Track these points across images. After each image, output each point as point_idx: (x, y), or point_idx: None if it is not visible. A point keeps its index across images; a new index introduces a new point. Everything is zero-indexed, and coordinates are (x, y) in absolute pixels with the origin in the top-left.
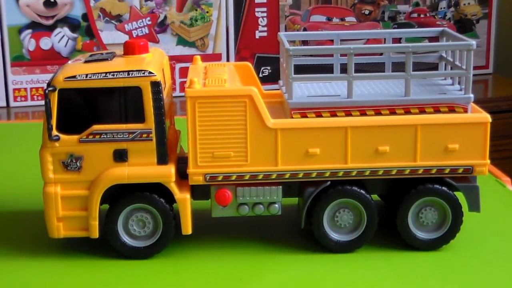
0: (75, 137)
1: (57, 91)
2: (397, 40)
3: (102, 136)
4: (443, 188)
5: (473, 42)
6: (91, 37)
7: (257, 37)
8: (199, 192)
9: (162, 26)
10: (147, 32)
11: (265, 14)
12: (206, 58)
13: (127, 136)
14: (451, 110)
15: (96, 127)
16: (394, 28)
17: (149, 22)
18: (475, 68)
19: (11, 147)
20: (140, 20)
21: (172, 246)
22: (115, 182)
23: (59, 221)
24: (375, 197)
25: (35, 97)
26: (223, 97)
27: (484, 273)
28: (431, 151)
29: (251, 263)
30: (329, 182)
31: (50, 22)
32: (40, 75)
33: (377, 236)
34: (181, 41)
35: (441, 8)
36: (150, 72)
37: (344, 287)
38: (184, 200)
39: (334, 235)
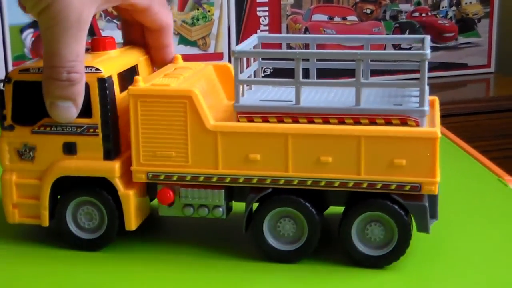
0: (28, 128)
1: (12, 83)
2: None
3: (52, 129)
4: (389, 204)
5: (427, 52)
6: (93, 36)
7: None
8: (151, 190)
9: None
10: None
11: (266, 14)
12: (207, 57)
13: (75, 130)
14: (403, 123)
15: (47, 120)
16: (396, 27)
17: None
18: (477, 67)
19: None
20: None
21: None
22: (62, 174)
23: (14, 207)
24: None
25: None
26: (163, 97)
27: (486, 271)
28: (376, 165)
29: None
30: (270, 190)
31: None
32: None
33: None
34: (183, 40)
35: (443, 7)
36: (97, 69)
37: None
38: (126, 196)
39: (274, 243)
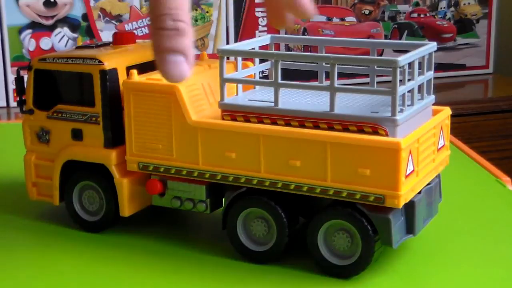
0: (45, 113)
1: (32, 70)
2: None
3: (63, 115)
4: (353, 213)
5: (400, 59)
6: (91, 37)
7: (257, 37)
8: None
9: None
10: (147, 32)
11: (265, 14)
12: None
13: (81, 117)
14: (374, 131)
15: (60, 106)
16: (394, 28)
17: (149, 22)
18: (475, 68)
19: (11, 147)
20: (140, 20)
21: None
22: (68, 158)
23: (33, 185)
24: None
25: None
26: (151, 91)
27: (485, 272)
28: (341, 172)
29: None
30: (244, 189)
31: (50, 22)
32: None
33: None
34: None
35: (441, 8)
36: (100, 61)
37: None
38: (120, 183)
39: (246, 243)
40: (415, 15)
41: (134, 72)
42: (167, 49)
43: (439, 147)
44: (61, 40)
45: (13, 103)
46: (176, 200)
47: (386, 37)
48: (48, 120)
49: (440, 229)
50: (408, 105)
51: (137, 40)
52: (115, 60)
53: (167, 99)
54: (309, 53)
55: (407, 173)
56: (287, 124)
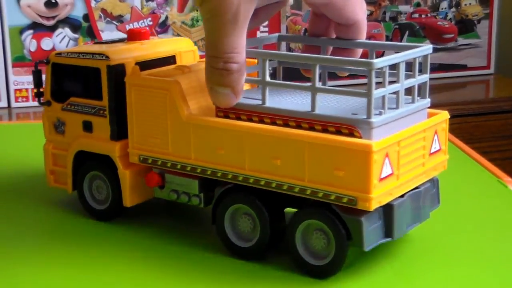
0: (60, 105)
1: (50, 64)
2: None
3: (75, 107)
4: (327, 214)
5: (375, 61)
6: (92, 37)
7: (258, 37)
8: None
9: (164, 27)
10: None
11: None
12: None
13: (91, 110)
14: (351, 133)
15: (73, 99)
16: (395, 28)
17: (150, 23)
18: (476, 68)
19: (12, 148)
20: (141, 21)
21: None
22: (79, 148)
23: (51, 173)
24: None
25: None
26: (150, 87)
27: (486, 272)
28: (318, 173)
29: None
30: (231, 185)
31: (51, 22)
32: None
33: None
34: None
35: (442, 9)
36: (106, 57)
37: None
38: (123, 174)
39: (233, 239)
40: (416, 15)
41: (136, 67)
42: (216, 83)
43: (432, 151)
44: (62, 41)
45: (14, 104)
46: (174, 193)
47: (387, 37)
48: (63, 112)
49: (441, 229)
50: (392, 108)
51: (151, 37)
52: (123, 56)
53: (163, 94)
54: (293, 53)
55: (382, 176)
56: (273, 122)
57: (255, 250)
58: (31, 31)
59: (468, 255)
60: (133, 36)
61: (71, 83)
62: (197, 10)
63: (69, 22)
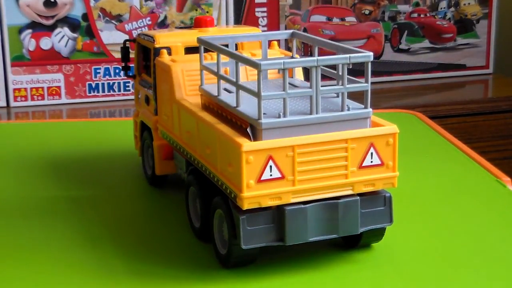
0: (138, 79)
1: (136, 42)
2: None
3: (142, 82)
4: (223, 205)
5: (261, 63)
6: (91, 37)
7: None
8: None
9: (162, 26)
10: None
11: (265, 14)
12: None
13: (149, 86)
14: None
15: (143, 74)
16: (394, 28)
17: (149, 22)
18: (475, 68)
19: (11, 147)
20: (140, 20)
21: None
22: (140, 119)
23: (135, 138)
24: None
25: (35, 97)
26: (163, 69)
27: (485, 272)
28: (222, 165)
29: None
30: (192, 167)
31: (50, 22)
32: (40, 75)
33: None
34: None
35: (441, 8)
36: (154, 40)
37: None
38: (156, 145)
39: (194, 219)
40: (415, 15)
41: (164, 51)
42: None
43: (364, 164)
44: (61, 40)
45: (13, 103)
46: (178, 168)
47: (386, 37)
48: (138, 85)
49: (440, 229)
50: (307, 114)
51: (215, 25)
52: (168, 40)
53: (167, 76)
54: (233, 51)
55: (264, 178)
56: (220, 114)
57: (202, 231)
58: (30, 31)
59: (467, 255)
60: (198, 23)
61: (142, 60)
62: (196, 10)
63: (68, 22)
